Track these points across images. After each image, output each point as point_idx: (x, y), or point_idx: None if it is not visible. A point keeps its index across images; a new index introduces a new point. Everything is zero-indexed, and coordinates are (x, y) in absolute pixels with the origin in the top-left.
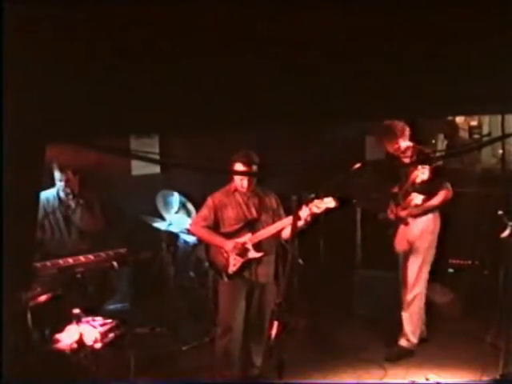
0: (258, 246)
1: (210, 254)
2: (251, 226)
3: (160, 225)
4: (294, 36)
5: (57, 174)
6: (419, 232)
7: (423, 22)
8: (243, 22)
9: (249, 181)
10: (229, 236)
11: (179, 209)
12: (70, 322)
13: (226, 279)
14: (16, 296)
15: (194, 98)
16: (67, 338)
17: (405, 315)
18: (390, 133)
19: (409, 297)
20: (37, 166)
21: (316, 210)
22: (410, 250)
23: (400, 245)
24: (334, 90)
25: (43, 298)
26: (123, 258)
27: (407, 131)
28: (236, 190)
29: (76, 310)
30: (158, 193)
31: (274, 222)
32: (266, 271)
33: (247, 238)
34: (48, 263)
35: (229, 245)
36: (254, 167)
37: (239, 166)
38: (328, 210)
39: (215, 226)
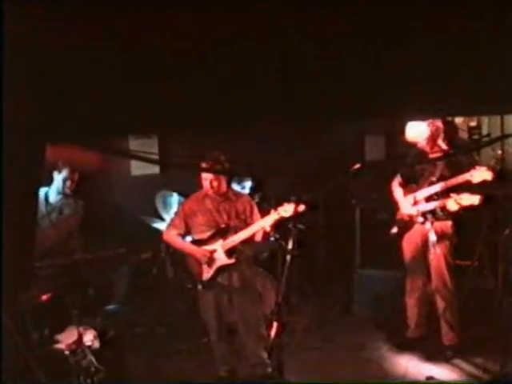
0: (230, 252)
1: (187, 262)
2: (223, 232)
3: (159, 225)
4: (294, 36)
5: (62, 172)
6: (439, 236)
7: (423, 23)
8: (242, 23)
9: (217, 182)
10: (201, 243)
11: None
12: (69, 323)
13: (200, 287)
14: (16, 296)
15: (193, 98)
16: (67, 338)
17: (444, 316)
18: (431, 130)
19: (444, 302)
20: (37, 165)
21: (284, 214)
22: (434, 256)
23: (412, 246)
24: (333, 90)
25: (43, 298)
26: (123, 258)
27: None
28: (206, 195)
29: (75, 311)
30: (158, 193)
31: (246, 227)
32: (241, 275)
33: (219, 245)
34: (48, 263)
35: (199, 253)
36: (221, 167)
37: (205, 166)
38: (298, 214)
39: (187, 234)
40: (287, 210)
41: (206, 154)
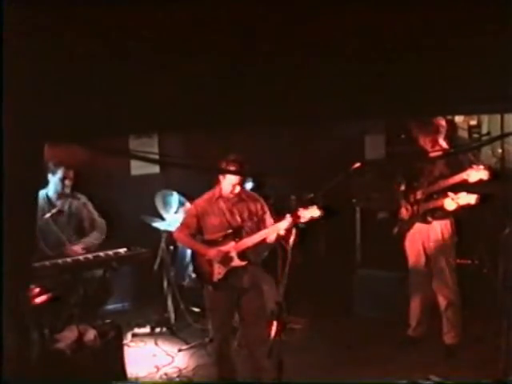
0: (242, 254)
1: (196, 262)
2: (235, 233)
3: (159, 225)
4: (294, 36)
5: (57, 173)
6: (439, 236)
7: (423, 22)
8: (243, 23)
9: (238, 185)
10: (213, 244)
11: (178, 209)
12: (69, 322)
13: (210, 288)
14: (16, 296)
15: (194, 98)
16: (67, 337)
17: (446, 314)
18: (433, 128)
19: (445, 301)
20: (36, 166)
21: (300, 220)
22: (434, 255)
23: (413, 246)
24: (333, 90)
25: (43, 297)
26: (123, 258)
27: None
28: (220, 196)
29: (75, 310)
30: (158, 193)
31: (258, 229)
32: (251, 277)
33: (231, 247)
34: (47, 263)
35: (211, 253)
36: (244, 170)
37: (232, 168)
38: (313, 220)
39: (199, 234)
40: (304, 215)
41: (230, 156)
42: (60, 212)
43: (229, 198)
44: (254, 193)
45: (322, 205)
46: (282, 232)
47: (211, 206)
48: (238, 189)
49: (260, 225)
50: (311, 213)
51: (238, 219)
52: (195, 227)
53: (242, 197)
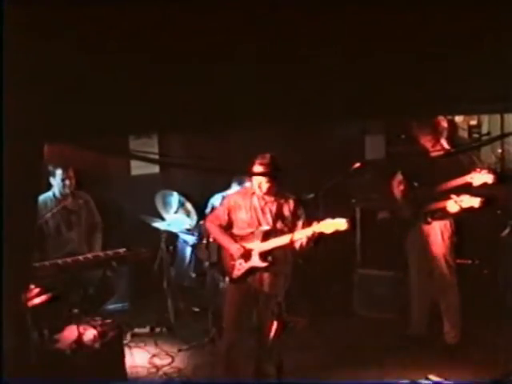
0: (265, 255)
1: (220, 255)
2: (263, 233)
3: (159, 225)
4: (294, 36)
5: (57, 173)
6: (439, 236)
7: (423, 22)
8: (243, 22)
9: (266, 184)
10: (239, 239)
11: (178, 209)
12: (69, 322)
13: (227, 282)
14: (16, 296)
15: (193, 98)
16: (67, 338)
17: (446, 314)
18: (433, 128)
19: (446, 301)
20: (36, 166)
21: (325, 230)
22: (434, 255)
23: (413, 246)
24: (334, 90)
25: (43, 297)
26: (122, 258)
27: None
28: (254, 192)
29: (75, 310)
30: (157, 193)
31: (289, 232)
32: (274, 282)
33: (256, 245)
34: (47, 263)
35: (234, 248)
36: (270, 171)
37: (257, 168)
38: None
39: (229, 227)
40: (328, 226)
41: (257, 155)
42: (68, 211)
43: (263, 197)
44: (294, 196)
45: (323, 205)
46: (305, 240)
47: (244, 201)
48: (265, 187)
49: (290, 229)
50: (338, 226)
51: (269, 219)
52: (226, 219)
53: (277, 198)
